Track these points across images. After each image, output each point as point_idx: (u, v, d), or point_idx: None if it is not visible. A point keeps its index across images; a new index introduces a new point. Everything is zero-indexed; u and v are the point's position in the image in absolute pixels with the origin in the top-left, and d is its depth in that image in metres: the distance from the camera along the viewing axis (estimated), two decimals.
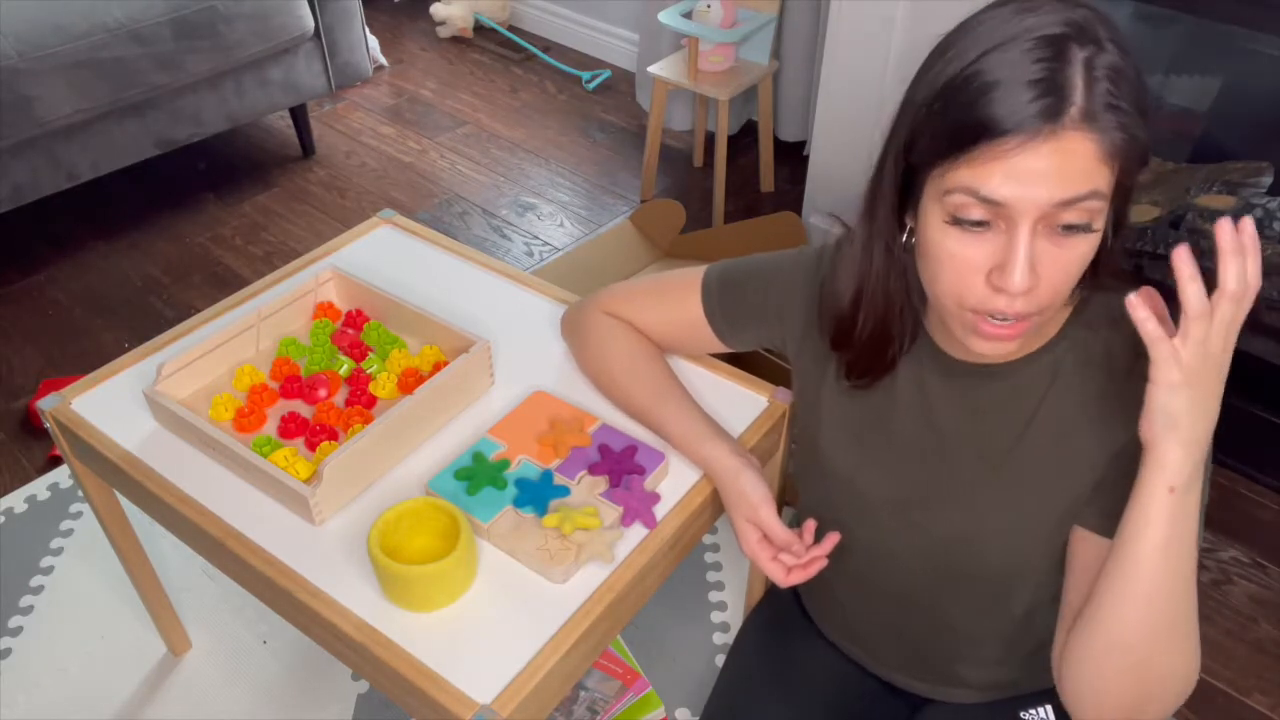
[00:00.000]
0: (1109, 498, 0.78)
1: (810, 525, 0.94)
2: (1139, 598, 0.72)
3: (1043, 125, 0.65)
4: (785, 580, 0.92)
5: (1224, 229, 0.63)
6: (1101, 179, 0.67)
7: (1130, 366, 0.77)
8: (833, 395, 0.94)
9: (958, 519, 0.87)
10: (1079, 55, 0.66)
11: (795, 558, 0.93)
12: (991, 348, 0.75)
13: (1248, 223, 0.65)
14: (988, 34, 0.68)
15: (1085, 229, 0.69)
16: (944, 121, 0.69)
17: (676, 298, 1.04)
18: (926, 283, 0.77)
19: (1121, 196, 0.72)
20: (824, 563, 0.93)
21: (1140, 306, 0.65)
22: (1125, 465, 0.76)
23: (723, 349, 1.06)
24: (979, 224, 0.70)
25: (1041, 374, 0.82)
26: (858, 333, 0.86)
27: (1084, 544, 0.81)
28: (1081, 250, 0.70)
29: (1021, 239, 0.68)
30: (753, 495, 0.94)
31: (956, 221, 0.70)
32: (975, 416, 0.85)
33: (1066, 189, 0.66)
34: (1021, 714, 0.97)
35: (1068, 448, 0.81)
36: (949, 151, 0.69)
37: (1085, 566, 0.80)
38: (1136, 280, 0.78)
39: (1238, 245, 0.63)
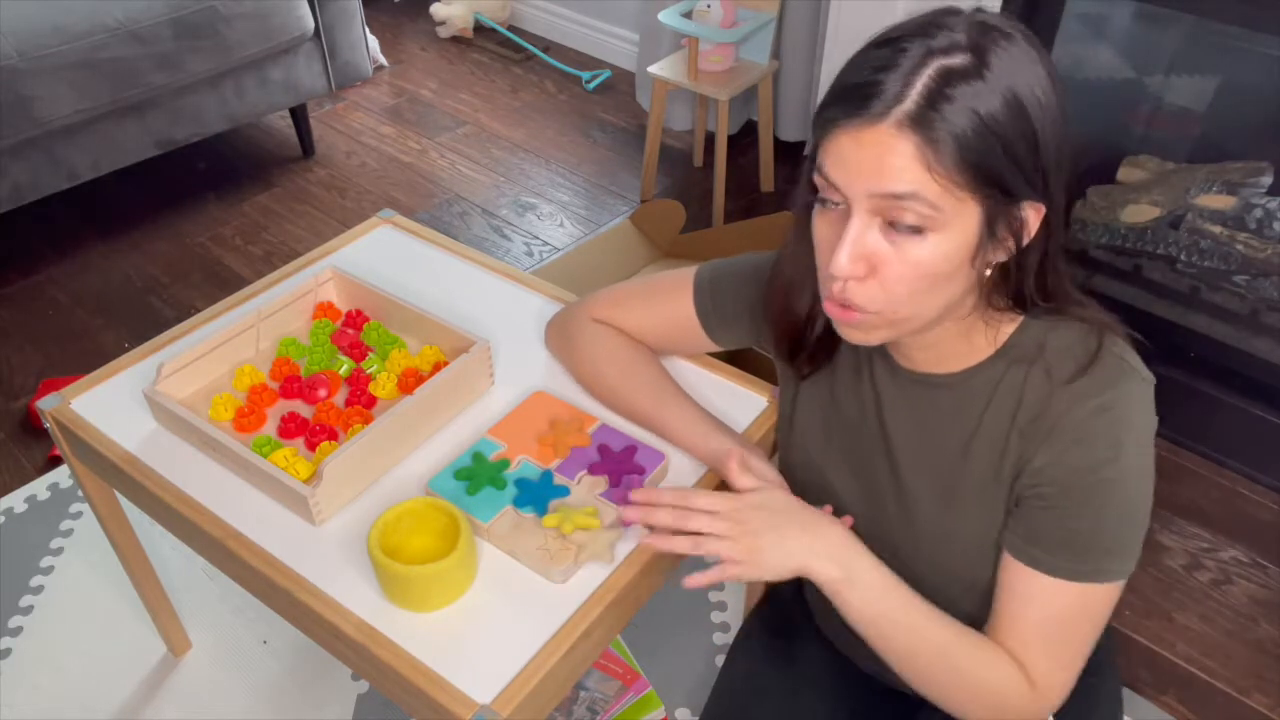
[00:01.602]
0: (1021, 521, 0.81)
1: (826, 509, 0.94)
2: (882, 654, 0.84)
3: (868, 117, 0.68)
4: None
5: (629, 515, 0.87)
6: (923, 185, 0.68)
7: (1038, 415, 0.79)
8: (808, 394, 0.96)
9: (915, 528, 0.89)
10: (938, 65, 0.67)
11: None
12: (849, 333, 0.78)
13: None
14: (879, 34, 0.72)
15: (916, 231, 0.70)
16: (820, 104, 0.73)
17: (668, 298, 1.04)
18: None
19: (1007, 223, 0.72)
20: None
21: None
22: (1034, 492, 0.80)
23: (712, 349, 1.07)
24: (835, 204, 0.73)
25: (980, 391, 0.83)
26: (776, 310, 0.90)
27: (1002, 564, 0.84)
28: (920, 255, 0.71)
29: (851, 224, 0.71)
30: (768, 478, 0.95)
31: (819, 199, 0.74)
32: (923, 429, 0.87)
33: (883, 183, 0.68)
34: None
35: (1003, 469, 0.82)
36: (816, 134, 0.73)
37: (1001, 585, 0.83)
38: (1082, 295, 0.80)
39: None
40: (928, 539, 0.88)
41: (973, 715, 0.83)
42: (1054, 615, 0.80)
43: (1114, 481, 0.77)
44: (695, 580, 0.83)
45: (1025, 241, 0.74)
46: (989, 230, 0.71)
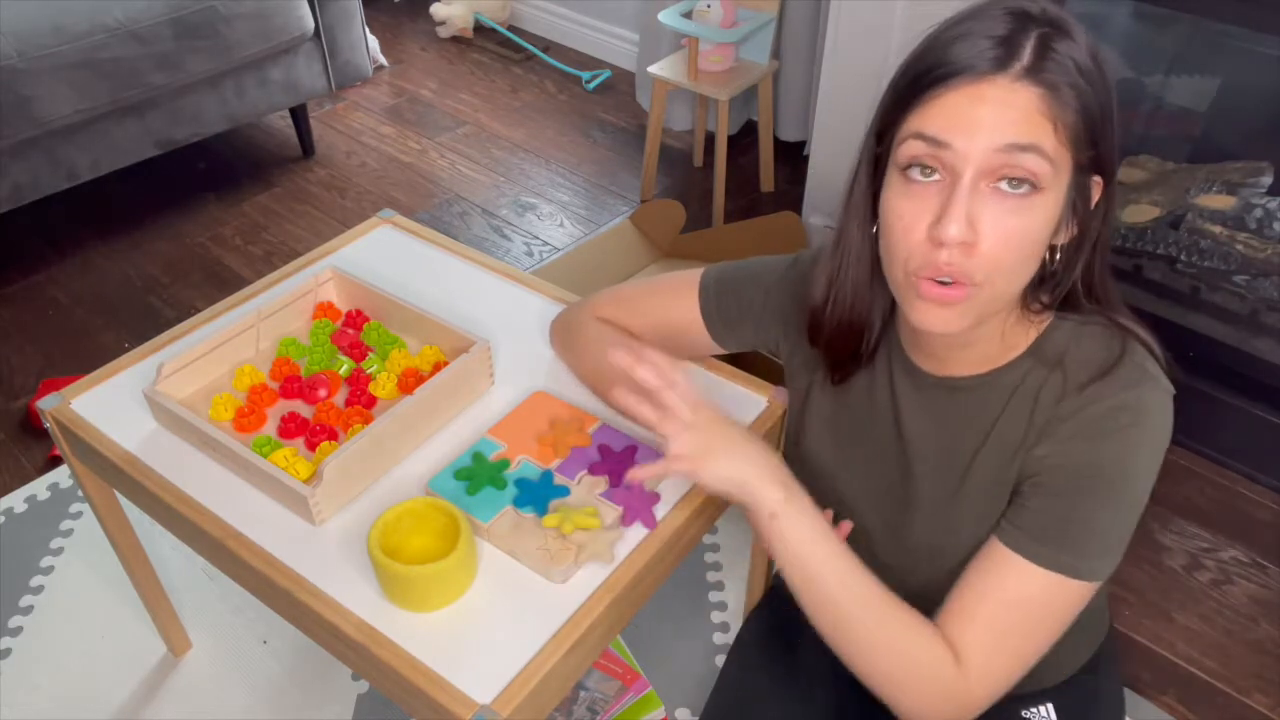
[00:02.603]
0: (1014, 505, 0.81)
1: (827, 514, 0.94)
2: (807, 605, 0.83)
3: (986, 72, 0.69)
4: None
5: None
6: (1045, 137, 0.69)
7: (1052, 417, 0.79)
8: (819, 398, 0.95)
9: (927, 529, 0.88)
10: (1036, 29, 0.70)
11: None
12: (934, 316, 0.75)
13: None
14: (958, 15, 0.73)
15: (1028, 186, 0.70)
16: (904, 79, 0.74)
17: (672, 300, 1.04)
18: (884, 258, 0.78)
19: (1080, 194, 0.74)
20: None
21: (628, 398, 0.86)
22: (1033, 479, 0.80)
23: (717, 351, 1.06)
24: (926, 170, 0.72)
25: (1000, 395, 0.83)
26: (827, 319, 0.88)
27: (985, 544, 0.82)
28: (1026, 220, 0.71)
29: (961, 188, 0.70)
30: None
31: (907, 174, 0.73)
32: (940, 431, 0.86)
33: (1007, 135, 0.69)
34: (1023, 713, 0.97)
35: (1012, 469, 0.82)
36: (906, 101, 0.72)
37: (974, 561, 0.82)
38: (1115, 304, 0.81)
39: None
40: (934, 539, 0.88)
41: (893, 688, 0.81)
42: (1018, 601, 0.78)
43: (1118, 480, 0.77)
44: (639, 473, 0.85)
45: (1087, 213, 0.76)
46: (1070, 202, 0.73)
